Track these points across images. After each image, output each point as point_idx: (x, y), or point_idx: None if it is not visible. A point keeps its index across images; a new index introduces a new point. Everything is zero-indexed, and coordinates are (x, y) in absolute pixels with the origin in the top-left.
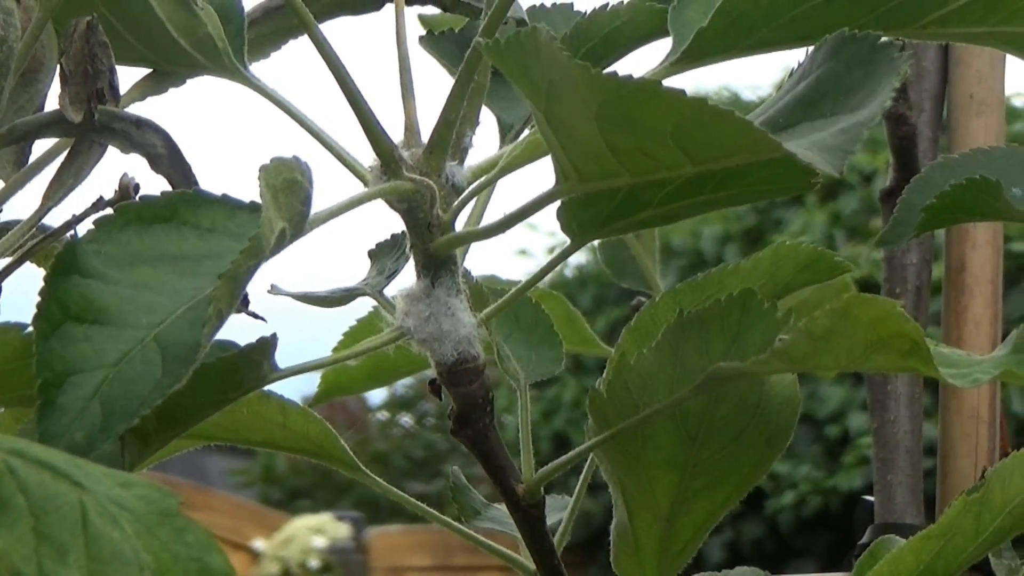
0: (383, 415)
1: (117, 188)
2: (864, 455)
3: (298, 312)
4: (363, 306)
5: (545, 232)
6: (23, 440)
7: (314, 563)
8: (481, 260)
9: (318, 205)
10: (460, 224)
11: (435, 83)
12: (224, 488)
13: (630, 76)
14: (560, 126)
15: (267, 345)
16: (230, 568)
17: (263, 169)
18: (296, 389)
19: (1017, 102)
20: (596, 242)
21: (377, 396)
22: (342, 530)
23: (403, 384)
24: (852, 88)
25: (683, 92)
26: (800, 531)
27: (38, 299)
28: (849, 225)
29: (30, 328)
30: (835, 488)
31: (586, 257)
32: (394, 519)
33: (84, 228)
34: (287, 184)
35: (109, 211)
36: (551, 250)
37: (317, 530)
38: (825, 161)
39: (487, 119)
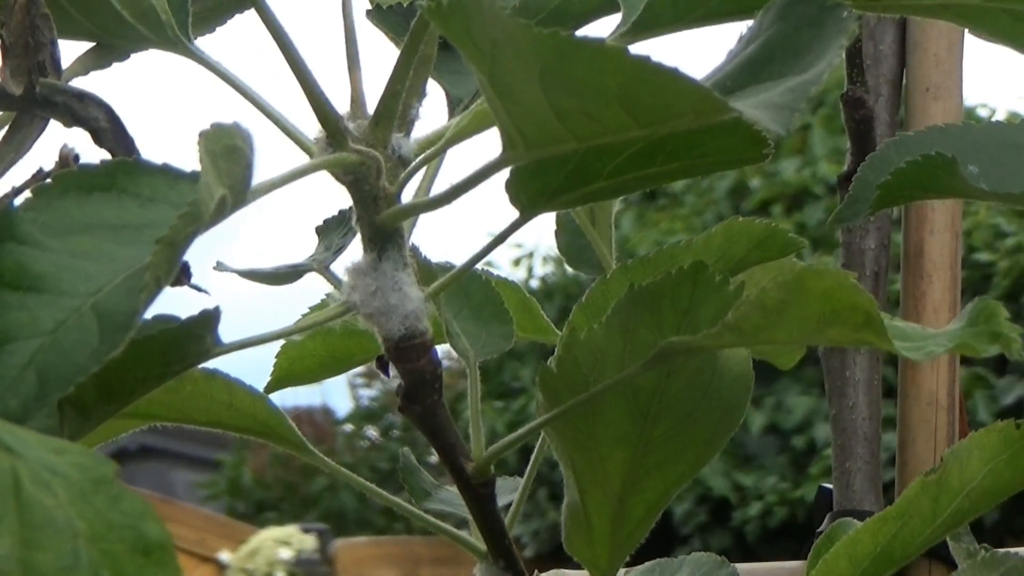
0: (348, 427)
1: (57, 159)
2: (830, 465)
3: (251, 302)
4: (318, 295)
5: (510, 243)
6: None
7: (280, 575)
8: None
9: (262, 178)
10: (407, 197)
11: (382, 58)
12: (190, 501)
13: (572, 34)
14: (504, 90)
15: (210, 319)
16: (166, 536)
17: (203, 134)
18: (252, 383)
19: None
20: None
21: (342, 408)
22: (308, 542)
23: (368, 396)
24: (800, 50)
25: (626, 50)
26: (767, 541)
27: None
28: (815, 235)
29: None
30: (802, 499)
31: (551, 268)
32: (360, 531)
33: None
34: (227, 150)
35: (47, 182)
36: (516, 262)
37: (283, 542)
38: (771, 119)
39: (436, 94)
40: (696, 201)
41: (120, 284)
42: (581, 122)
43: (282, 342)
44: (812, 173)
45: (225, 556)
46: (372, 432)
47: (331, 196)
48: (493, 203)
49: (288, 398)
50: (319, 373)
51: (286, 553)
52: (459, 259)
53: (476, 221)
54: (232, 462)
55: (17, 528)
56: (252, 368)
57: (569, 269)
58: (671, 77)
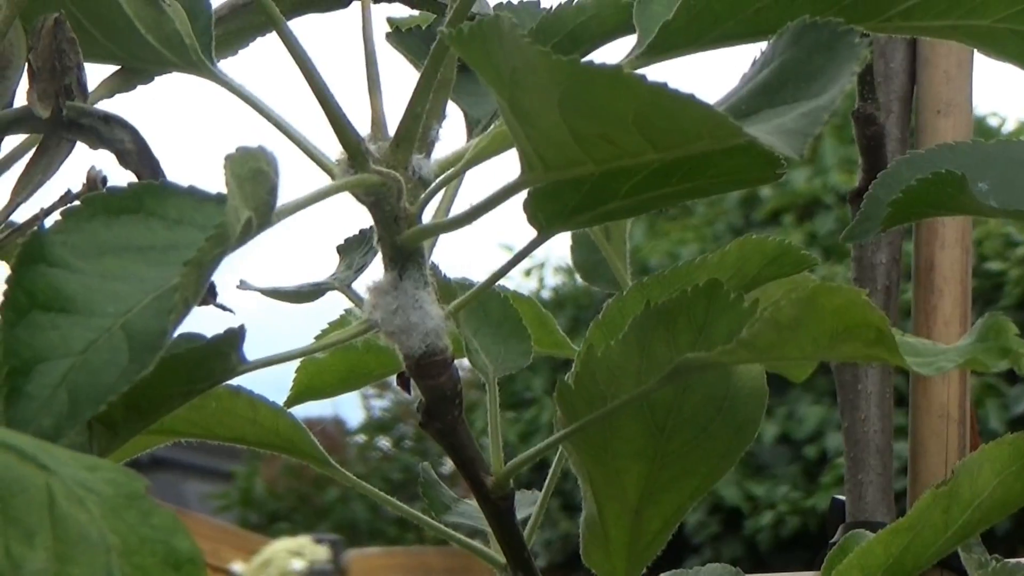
0: (361, 438)
1: (84, 181)
2: (842, 475)
3: (271, 319)
4: (336, 313)
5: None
6: None
7: None
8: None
9: (285, 200)
10: (427, 217)
11: (402, 80)
12: (203, 512)
13: (591, 62)
14: (524, 114)
15: (235, 337)
16: (196, 551)
17: (229, 158)
18: (271, 397)
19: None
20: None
21: (355, 419)
22: (320, 552)
23: (380, 407)
24: (814, 75)
25: (644, 77)
26: (779, 551)
27: (4, 288)
28: (825, 244)
29: None
30: (813, 508)
31: (562, 279)
32: (372, 541)
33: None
34: (253, 173)
35: (76, 204)
36: (527, 272)
37: (296, 552)
38: (786, 144)
39: (455, 115)
40: (707, 211)
41: (149, 305)
42: (599, 146)
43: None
44: (823, 183)
45: (238, 567)
46: (384, 443)
47: (339, 216)
48: (505, 216)
49: (299, 409)
50: (338, 388)
51: (299, 564)
52: (472, 273)
53: (488, 234)
54: (244, 473)
55: (51, 543)
56: (271, 383)
57: (579, 280)
58: (687, 103)
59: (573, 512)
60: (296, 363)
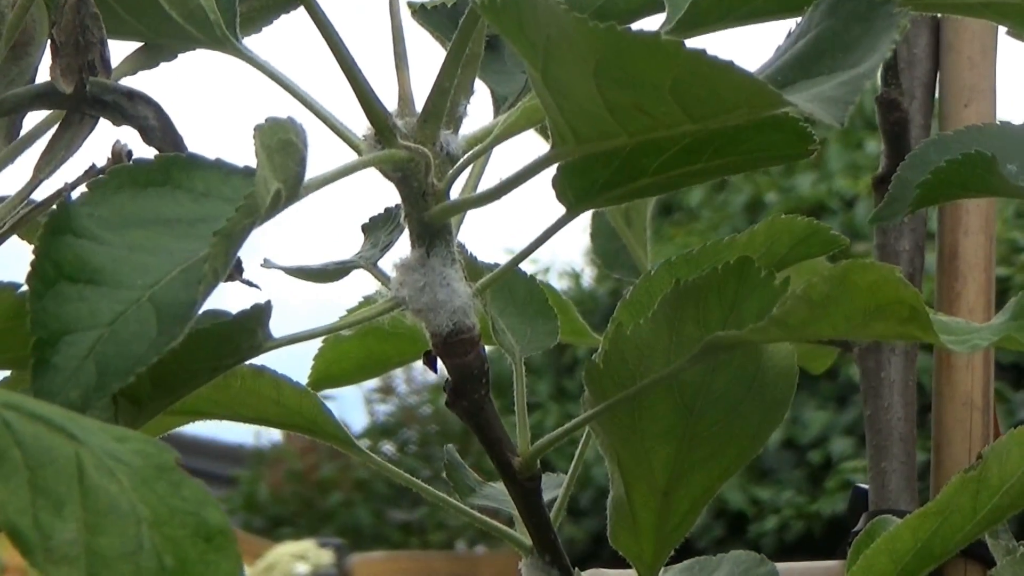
0: (365, 443)
1: (110, 155)
2: (847, 480)
3: (293, 303)
4: (358, 295)
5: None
6: (17, 394)
7: None
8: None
9: (312, 175)
10: (455, 193)
11: (427, 58)
12: None
13: (628, 28)
14: (557, 85)
15: (261, 312)
16: (226, 522)
17: (258, 129)
18: None
19: None
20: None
21: (358, 424)
22: (325, 556)
23: (384, 412)
24: (851, 45)
25: (682, 44)
26: (783, 555)
27: (32, 259)
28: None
29: (23, 288)
30: (818, 513)
31: (568, 283)
32: (376, 546)
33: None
34: (282, 144)
35: (102, 177)
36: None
37: (300, 556)
38: (825, 112)
39: (481, 92)
40: (712, 215)
41: (177, 277)
42: (633, 117)
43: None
44: (828, 188)
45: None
46: (388, 447)
47: (356, 196)
48: (520, 201)
49: None
50: (356, 375)
51: (303, 568)
52: (488, 255)
53: (502, 218)
54: (248, 477)
55: (81, 514)
56: (287, 371)
57: (586, 284)
58: (726, 70)
59: (576, 517)
60: (313, 351)
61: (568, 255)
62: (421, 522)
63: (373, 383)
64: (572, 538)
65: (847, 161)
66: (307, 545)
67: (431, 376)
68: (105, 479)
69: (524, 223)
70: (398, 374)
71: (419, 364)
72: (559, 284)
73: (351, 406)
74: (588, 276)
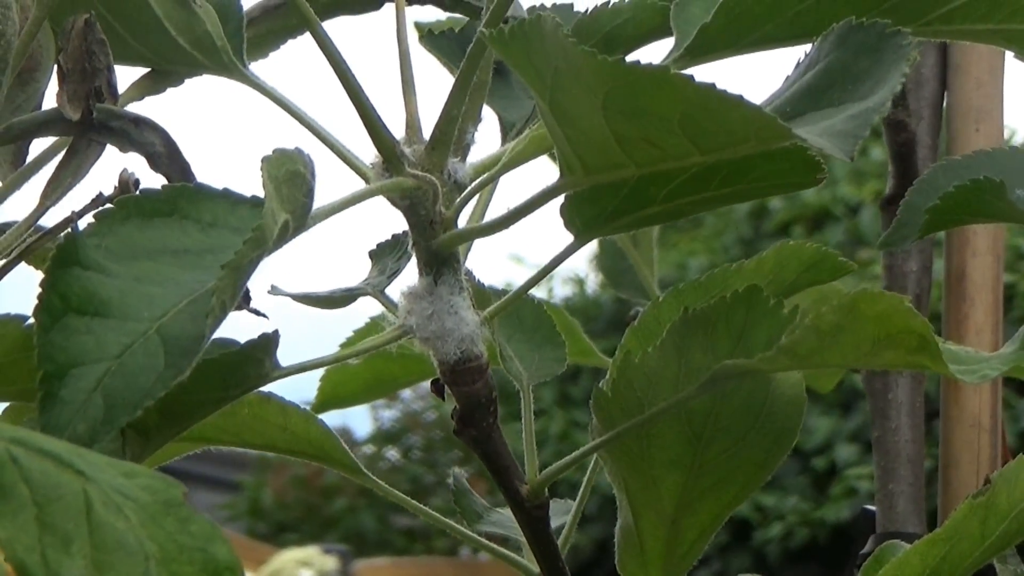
0: (369, 449)
1: (116, 184)
2: (851, 486)
3: (298, 323)
4: (362, 319)
5: (531, 265)
6: (24, 429)
7: None
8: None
9: (319, 204)
10: (463, 221)
11: (434, 85)
12: None
13: (638, 62)
14: (565, 116)
15: (269, 342)
16: (235, 559)
17: (265, 160)
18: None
19: None
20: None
21: (363, 429)
22: (329, 563)
23: (389, 418)
24: (860, 77)
25: (692, 78)
26: (787, 563)
27: (39, 291)
28: None
29: (30, 320)
30: (822, 520)
31: (572, 290)
32: (381, 552)
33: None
34: (289, 176)
35: (109, 207)
36: (550, 278)
37: (304, 563)
38: (835, 146)
39: (489, 119)
40: (716, 222)
41: (184, 309)
42: (642, 149)
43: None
44: (832, 195)
45: None
46: (393, 454)
47: (376, 224)
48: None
49: None
50: (363, 396)
51: (307, 574)
52: (494, 262)
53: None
54: (252, 483)
55: (89, 551)
56: (293, 392)
57: (589, 291)
58: (735, 104)
59: (581, 524)
60: (320, 371)
61: (572, 261)
62: (425, 528)
63: None
64: (577, 545)
65: (851, 168)
66: (311, 551)
67: None
68: (113, 515)
69: (530, 231)
70: None
71: None
72: (563, 291)
73: (356, 412)
74: (592, 282)
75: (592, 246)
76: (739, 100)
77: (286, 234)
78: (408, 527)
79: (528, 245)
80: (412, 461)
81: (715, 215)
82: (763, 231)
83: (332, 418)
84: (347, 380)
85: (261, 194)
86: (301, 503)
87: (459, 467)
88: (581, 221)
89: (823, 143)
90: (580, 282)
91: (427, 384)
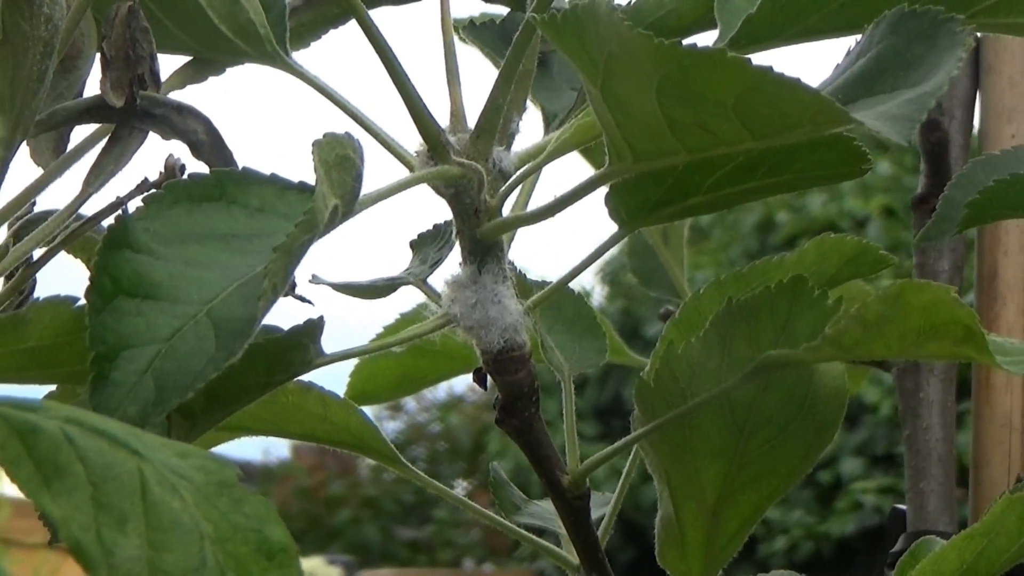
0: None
1: (162, 169)
2: (857, 500)
3: (336, 316)
4: (394, 314)
5: (538, 274)
6: (80, 409)
7: None
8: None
9: (365, 192)
10: (507, 211)
11: (476, 76)
12: None
13: (695, 45)
14: (617, 102)
15: (314, 328)
16: (290, 540)
17: (316, 144)
18: None
19: None
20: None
21: None
22: (333, 574)
23: (393, 429)
24: (913, 63)
25: (748, 60)
26: None
27: (91, 273)
28: None
29: (80, 302)
30: (827, 534)
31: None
32: (384, 563)
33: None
34: (340, 160)
35: (157, 192)
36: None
37: (309, 574)
38: (892, 130)
39: (531, 113)
40: (723, 235)
41: (234, 292)
42: (694, 134)
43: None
44: (839, 208)
45: None
46: None
47: (415, 217)
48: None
49: None
50: (392, 392)
51: None
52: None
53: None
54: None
55: (144, 530)
56: (325, 386)
57: (597, 303)
58: (792, 87)
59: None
60: (349, 366)
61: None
62: (429, 539)
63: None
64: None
65: (857, 181)
66: (316, 562)
67: (440, 394)
68: (168, 495)
69: (564, 242)
70: None
71: None
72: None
73: None
74: (599, 295)
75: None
76: (796, 83)
77: (336, 219)
78: (412, 539)
79: (566, 254)
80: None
81: (721, 228)
82: (769, 244)
83: None
84: (376, 376)
85: (307, 180)
86: (305, 514)
87: (463, 479)
88: (626, 210)
89: (880, 126)
90: (586, 294)
91: (432, 396)
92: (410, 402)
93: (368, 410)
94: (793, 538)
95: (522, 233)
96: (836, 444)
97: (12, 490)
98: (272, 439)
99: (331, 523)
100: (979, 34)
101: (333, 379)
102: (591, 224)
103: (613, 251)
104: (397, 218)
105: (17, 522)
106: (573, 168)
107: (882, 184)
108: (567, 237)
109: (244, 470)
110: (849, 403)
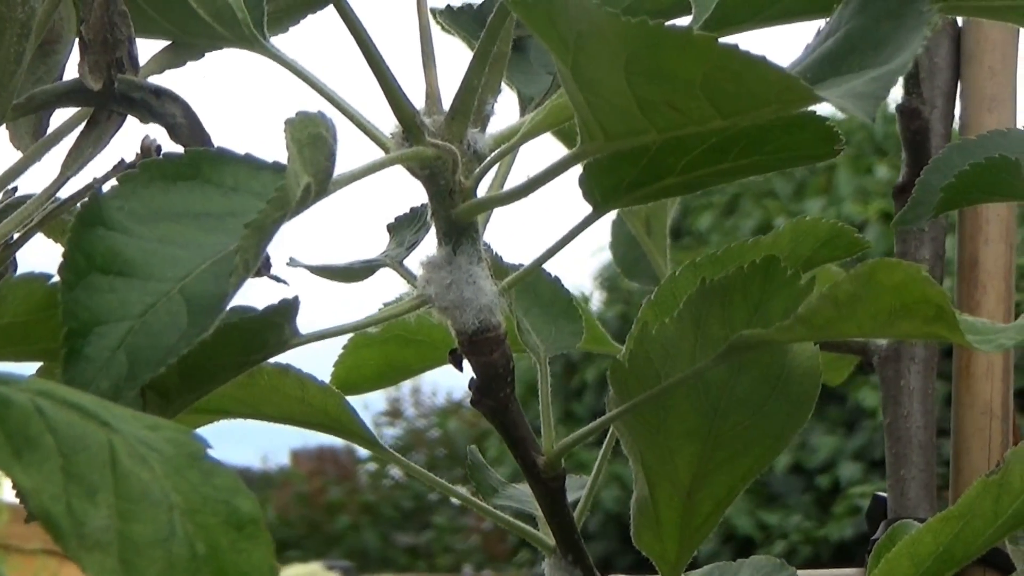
0: (372, 466)
1: (139, 150)
2: (855, 505)
3: (315, 300)
4: (380, 293)
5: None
6: (51, 382)
7: None
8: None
9: (339, 173)
10: (482, 192)
11: (452, 60)
12: None
13: (661, 23)
14: (586, 81)
15: (289, 308)
16: (258, 511)
17: (289, 123)
18: None
19: None
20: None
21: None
22: None
23: (392, 435)
24: (881, 42)
25: (714, 39)
26: None
27: (64, 250)
28: None
29: (55, 279)
30: (826, 538)
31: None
32: (383, 569)
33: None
34: (312, 139)
35: (132, 171)
36: None
37: None
38: (857, 107)
39: (507, 94)
40: (721, 240)
41: (207, 269)
42: (663, 113)
43: (344, 341)
44: (837, 213)
45: None
46: (396, 471)
47: (394, 202)
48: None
49: (311, 438)
50: (376, 382)
51: None
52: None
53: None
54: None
55: (114, 501)
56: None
57: (595, 307)
58: (757, 65)
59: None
60: (334, 355)
61: (577, 279)
62: (428, 546)
63: (381, 406)
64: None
65: (856, 186)
66: (315, 568)
67: (439, 400)
68: (138, 466)
69: (541, 231)
70: (406, 397)
71: (427, 388)
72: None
73: None
74: (597, 300)
75: (598, 262)
76: (762, 61)
77: (308, 197)
78: (411, 544)
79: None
80: (415, 478)
81: (720, 233)
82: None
83: (334, 441)
84: (360, 365)
85: (282, 161)
86: (304, 520)
87: (462, 485)
88: (599, 191)
89: (845, 104)
90: (585, 300)
91: (431, 403)
92: (409, 408)
93: (367, 415)
94: (792, 542)
95: (502, 221)
96: (835, 449)
97: (10, 496)
98: (271, 446)
99: (330, 529)
100: (960, 24)
101: (322, 374)
102: (571, 212)
103: (611, 256)
104: (376, 203)
105: (15, 527)
106: (551, 153)
107: (881, 189)
108: (548, 226)
109: (242, 476)
110: (848, 408)
